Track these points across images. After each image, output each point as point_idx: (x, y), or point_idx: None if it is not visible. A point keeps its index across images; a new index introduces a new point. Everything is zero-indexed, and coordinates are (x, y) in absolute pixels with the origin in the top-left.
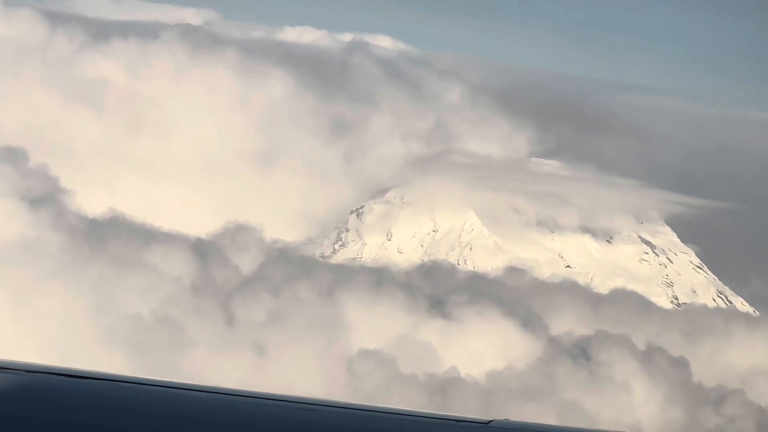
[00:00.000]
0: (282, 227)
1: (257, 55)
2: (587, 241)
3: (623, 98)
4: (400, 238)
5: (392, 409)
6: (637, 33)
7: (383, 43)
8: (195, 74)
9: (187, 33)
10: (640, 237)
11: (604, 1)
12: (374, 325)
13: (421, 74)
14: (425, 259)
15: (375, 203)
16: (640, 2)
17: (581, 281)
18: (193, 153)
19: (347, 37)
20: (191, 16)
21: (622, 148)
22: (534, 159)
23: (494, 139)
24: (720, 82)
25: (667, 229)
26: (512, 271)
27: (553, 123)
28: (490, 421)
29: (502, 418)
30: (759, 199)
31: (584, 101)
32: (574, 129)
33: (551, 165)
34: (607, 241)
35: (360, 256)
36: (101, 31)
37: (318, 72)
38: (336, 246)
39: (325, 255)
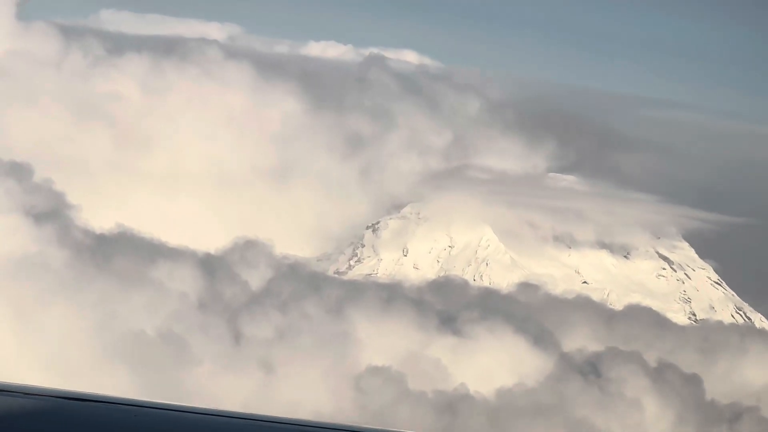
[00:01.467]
0: (298, 243)
1: (275, 70)
2: (604, 257)
3: (645, 113)
4: (416, 254)
5: (388, 431)
6: (660, 48)
7: (408, 57)
8: (210, 89)
9: (203, 47)
10: (657, 252)
11: (627, 16)
12: (383, 342)
13: (439, 89)
14: (441, 275)
15: (391, 219)
16: (663, 18)
17: (598, 297)
18: (208, 168)
19: (372, 52)
20: (215, 31)
21: (641, 163)
22: (551, 174)
23: (512, 154)
24: (744, 97)
25: (685, 245)
26: (525, 287)
27: (572, 138)
28: None
29: None
30: None
31: (605, 116)
32: (593, 144)
33: (568, 180)
34: (625, 256)
35: (375, 272)
36: (118, 46)
37: (335, 87)
38: (351, 262)
39: (341, 271)
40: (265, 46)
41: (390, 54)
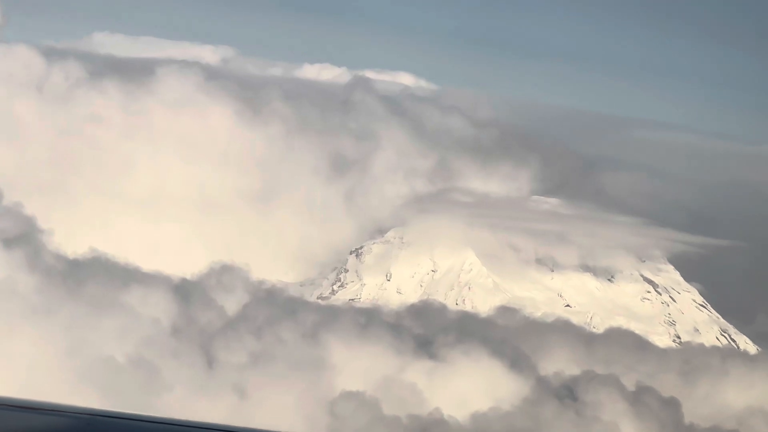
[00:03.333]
0: (282, 268)
1: (260, 93)
2: (588, 280)
3: (633, 134)
4: (400, 279)
5: None
6: (650, 69)
7: (403, 79)
8: (192, 111)
9: (186, 70)
10: (642, 275)
11: (617, 37)
12: (359, 367)
13: (424, 111)
14: (422, 299)
15: (374, 243)
16: (653, 38)
17: (581, 320)
18: (189, 191)
19: (368, 74)
20: (208, 54)
21: (627, 185)
22: (534, 197)
23: (495, 176)
24: (733, 117)
25: (670, 268)
26: (504, 310)
27: (556, 160)
28: None
29: None
30: (764, 236)
31: (592, 137)
32: (577, 166)
33: (551, 203)
34: (609, 279)
35: (359, 296)
36: (101, 68)
37: (321, 109)
38: (335, 287)
39: (324, 296)
40: (258, 69)
41: (384, 76)
